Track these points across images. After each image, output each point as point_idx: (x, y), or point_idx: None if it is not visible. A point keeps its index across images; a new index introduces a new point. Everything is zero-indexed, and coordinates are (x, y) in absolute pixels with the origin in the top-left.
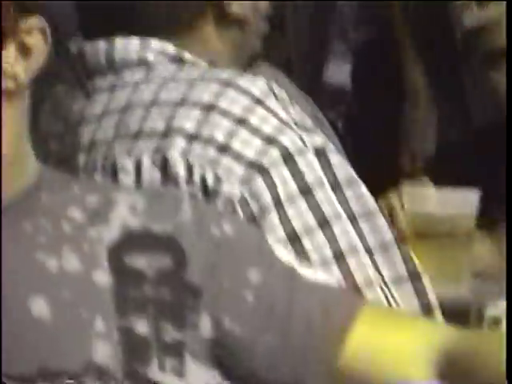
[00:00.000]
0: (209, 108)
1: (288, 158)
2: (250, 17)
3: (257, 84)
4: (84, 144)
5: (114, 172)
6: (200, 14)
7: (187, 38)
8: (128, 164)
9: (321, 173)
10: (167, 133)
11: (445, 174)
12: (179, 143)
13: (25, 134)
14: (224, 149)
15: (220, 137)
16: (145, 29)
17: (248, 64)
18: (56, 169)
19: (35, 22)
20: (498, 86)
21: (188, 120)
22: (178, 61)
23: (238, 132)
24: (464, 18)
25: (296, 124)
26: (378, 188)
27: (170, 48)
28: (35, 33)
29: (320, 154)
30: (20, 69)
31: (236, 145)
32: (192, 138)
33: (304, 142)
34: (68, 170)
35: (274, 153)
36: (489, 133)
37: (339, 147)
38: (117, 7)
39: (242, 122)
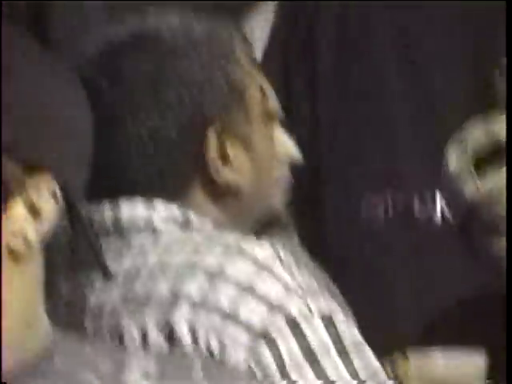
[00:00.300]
0: (214, 274)
1: (294, 326)
2: (247, 185)
3: (262, 248)
4: (91, 309)
5: (120, 338)
6: (187, 182)
7: (181, 203)
8: (134, 331)
9: (327, 339)
10: (172, 300)
11: (451, 336)
12: (184, 311)
13: (38, 297)
14: (229, 316)
15: (225, 304)
16: (143, 193)
17: (262, 229)
18: (65, 333)
19: (44, 179)
20: (499, 252)
21: (193, 287)
22: (184, 222)
23: (243, 299)
24: (465, 191)
25: (302, 289)
26: (385, 350)
27: (175, 210)
28: (44, 192)
29: (326, 319)
30: (30, 229)
31: (241, 312)
32: (197, 305)
33: (310, 308)
34: (76, 335)
35: (280, 321)
36: (490, 299)
37: (347, 311)
38: (113, 170)
39: (247, 288)
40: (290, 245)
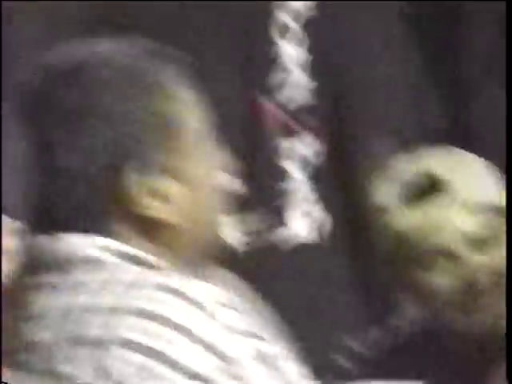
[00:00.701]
0: (145, 316)
1: (231, 367)
2: (185, 219)
3: (203, 290)
4: (24, 342)
5: (52, 377)
6: (107, 217)
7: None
8: (67, 369)
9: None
10: (102, 341)
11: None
12: (115, 353)
13: None
14: (162, 357)
15: (157, 345)
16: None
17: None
18: None
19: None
20: (431, 289)
21: (123, 330)
22: (123, 256)
23: (176, 340)
24: (393, 223)
25: (246, 332)
26: None
27: (114, 244)
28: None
29: (267, 361)
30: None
31: (175, 353)
32: (128, 346)
33: (248, 350)
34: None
35: (216, 362)
36: (423, 337)
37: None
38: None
39: (180, 329)
40: (236, 285)
